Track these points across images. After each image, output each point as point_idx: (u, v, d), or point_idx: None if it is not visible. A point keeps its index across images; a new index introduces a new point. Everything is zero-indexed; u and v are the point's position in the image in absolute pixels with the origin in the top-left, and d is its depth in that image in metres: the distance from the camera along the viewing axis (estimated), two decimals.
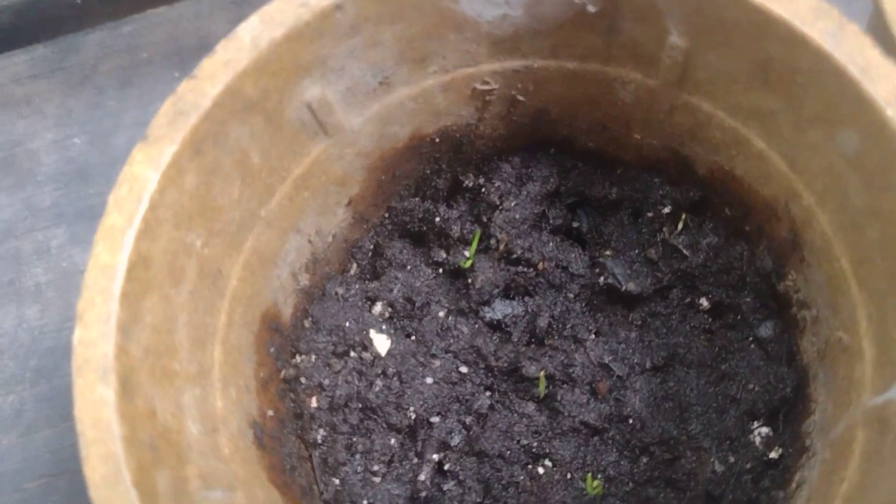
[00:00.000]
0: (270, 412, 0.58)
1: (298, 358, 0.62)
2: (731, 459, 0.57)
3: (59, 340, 0.91)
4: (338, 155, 0.59)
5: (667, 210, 0.63)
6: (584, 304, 0.64)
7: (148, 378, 0.46)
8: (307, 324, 0.63)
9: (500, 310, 0.64)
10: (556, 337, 0.63)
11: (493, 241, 0.64)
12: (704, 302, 0.62)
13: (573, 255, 0.64)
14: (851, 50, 0.44)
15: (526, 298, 0.64)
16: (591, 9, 0.52)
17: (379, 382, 0.62)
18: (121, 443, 0.42)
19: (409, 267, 0.66)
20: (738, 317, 0.60)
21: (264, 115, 0.52)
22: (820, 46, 0.45)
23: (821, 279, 0.52)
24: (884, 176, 0.44)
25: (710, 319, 0.62)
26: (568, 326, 0.63)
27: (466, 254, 0.65)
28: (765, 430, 0.57)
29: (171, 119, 0.47)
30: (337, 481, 0.60)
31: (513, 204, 0.63)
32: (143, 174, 0.46)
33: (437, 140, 0.63)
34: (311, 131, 0.56)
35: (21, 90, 1.02)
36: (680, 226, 0.63)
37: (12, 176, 0.99)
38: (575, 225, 0.66)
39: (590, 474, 0.58)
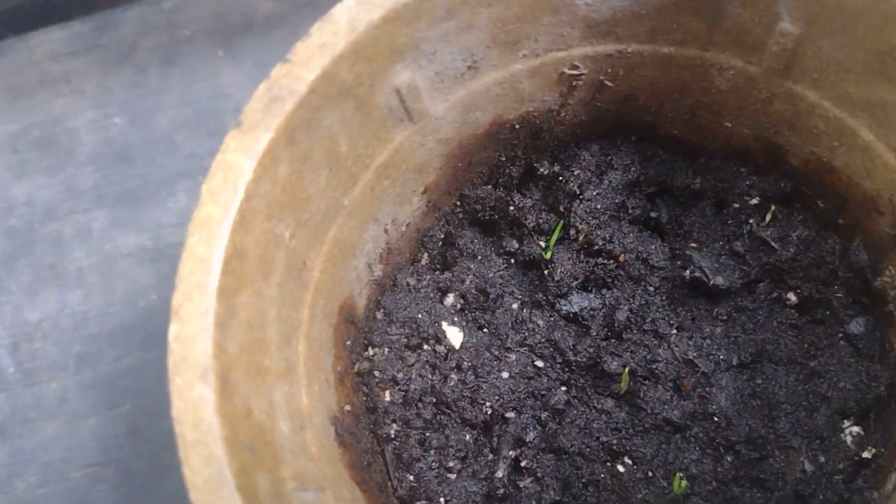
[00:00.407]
0: (347, 407, 0.56)
1: (371, 351, 0.61)
2: (822, 459, 0.55)
3: (103, 326, 0.90)
4: (420, 142, 0.57)
5: (754, 201, 0.61)
6: (664, 298, 0.62)
7: (244, 376, 0.44)
8: (379, 315, 0.61)
9: (578, 302, 0.62)
10: (636, 331, 0.61)
11: (572, 232, 0.62)
12: (792, 297, 0.60)
13: (653, 247, 0.62)
14: None
15: (604, 291, 0.62)
16: None
17: (454, 376, 0.60)
18: (223, 444, 0.41)
19: (479, 257, 0.64)
20: (828, 312, 0.59)
21: (356, 100, 0.50)
22: None
23: None
24: None
25: (798, 315, 0.60)
26: (648, 320, 0.61)
27: (542, 244, 0.63)
28: (856, 429, 0.56)
29: (266, 105, 0.45)
30: (411, 477, 0.58)
31: (594, 193, 0.61)
32: (238, 163, 0.44)
33: (517, 126, 0.61)
34: (397, 118, 0.54)
35: (59, 67, 0.99)
36: (768, 217, 0.61)
37: (52, 156, 0.96)
38: (653, 215, 0.65)
39: (678, 473, 0.56)
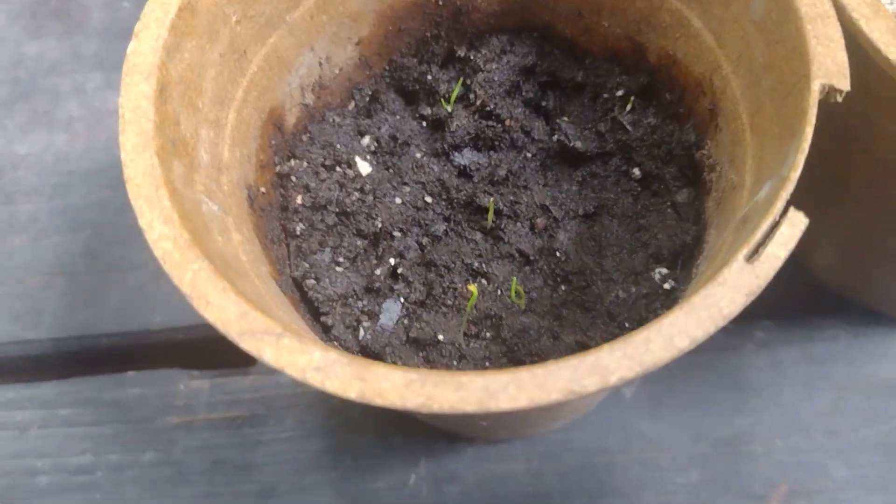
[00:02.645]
0: (262, 190, 0.69)
1: (293, 161, 0.74)
2: (633, 290, 0.68)
3: (80, 166, 1.02)
4: None
5: (620, 94, 0.75)
6: (538, 164, 0.76)
7: (178, 97, 0.58)
8: (305, 138, 0.75)
9: (468, 157, 0.76)
10: (511, 186, 0.75)
11: (471, 96, 0.76)
12: (637, 171, 0.74)
13: (537, 123, 0.76)
14: None
15: (491, 153, 0.76)
16: None
17: (356, 194, 0.73)
18: (152, 125, 0.54)
19: (398, 116, 0.78)
20: (662, 186, 0.72)
21: None
22: None
23: (727, 139, 0.64)
24: (779, 30, 0.56)
25: (640, 188, 0.74)
26: (522, 179, 0.75)
27: (450, 109, 0.77)
28: (665, 270, 0.68)
29: None
30: (307, 264, 0.71)
31: (493, 67, 0.76)
32: None
33: (441, 3, 0.75)
34: None
35: None
36: (628, 107, 0.75)
37: (63, 24, 1.11)
38: (543, 104, 0.79)
39: (515, 280, 0.69)
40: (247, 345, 0.47)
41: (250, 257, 0.61)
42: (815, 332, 0.88)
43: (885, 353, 0.86)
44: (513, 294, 0.69)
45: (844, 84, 0.51)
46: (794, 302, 0.91)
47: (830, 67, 0.51)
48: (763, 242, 0.48)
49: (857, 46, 0.55)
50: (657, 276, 0.69)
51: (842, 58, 0.51)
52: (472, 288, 0.64)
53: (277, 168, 0.72)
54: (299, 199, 0.73)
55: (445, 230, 0.74)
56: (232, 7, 0.62)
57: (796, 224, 0.48)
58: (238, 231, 0.62)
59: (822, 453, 0.84)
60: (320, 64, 0.74)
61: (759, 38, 0.58)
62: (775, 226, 0.48)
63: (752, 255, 0.47)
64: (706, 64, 0.66)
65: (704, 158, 0.68)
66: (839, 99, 0.51)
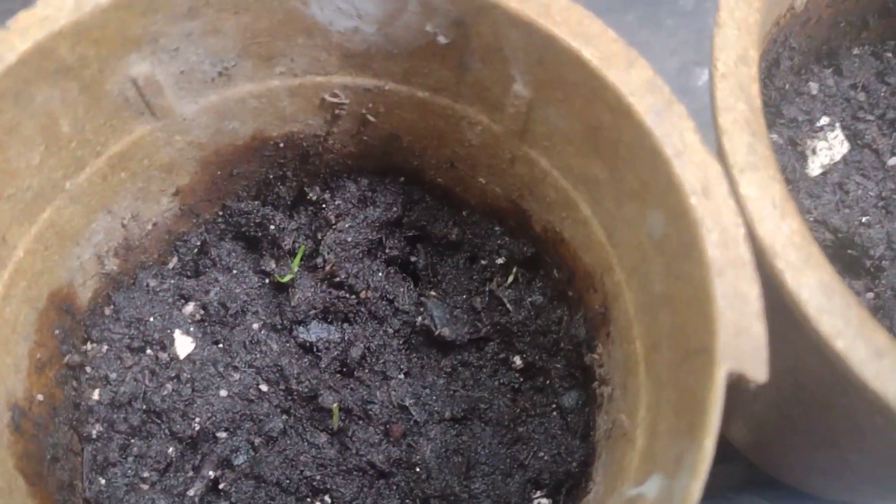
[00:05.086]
0: (41, 397, 0.54)
1: (89, 345, 0.59)
2: None
3: None
4: (165, 140, 0.56)
5: (500, 261, 0.62)
6: (402, 342, 0.62)
7: None
8: (108, 311, 0.60)
9: (316, 332, 0.61)
10: (367, 370, 0.61)
11: (319, 260, 0.61)
12: (518, 360, 0.60)
13: (402, 290, 0.62)
14: (672, 130, 0.43)
15: (345, 325, 0.62)
16: (443, 40, 0.51)
17: (169, 386, 0.59)
18: None
19: (234, 271, 0.63)
20: (547, 381, 0.59)
21: (80, 82, 0.49)
22: (643, 121, 0.44)
23: (620, 357, 0.51)
24: (679, 263, 0.43)
25: (522, 379, 0.60)
26: (381, 361, 0.61)
27: (290, 276, 0.62)
28: (545, 501, 0.56)
29: None
30: (103, 481, 0.56)
31: (347, 226, 0.61)
32: None
33: (282, 145, 0.60)
34: (136, 110, 0.53)
35: None
36: (510, 279, 0.61)
37: None
38: (413, 259, 0.65)
39: None
40: None
41: None
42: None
43: None
44: None
45: (760, 374, 0.38)
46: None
47: (743, 348, 0.38)
48: None
49: (783, 299, 0.42)
50: None
51: (758, 333, 0.38)
52: None
53: (66, 358, 0.57)
54: (96, 395, 0.58)
55: (283, 429, 0.60)
56: None
57: None
58: None
59: None
60: (124, 225, 0.58)
61: (658, 262, 0.45)
62: None
63: None
64: (597, 257, 0.53)
65: (596, 366, 0.55)
66: (752, 388, 0.38)
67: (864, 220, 0.63)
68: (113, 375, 0.58)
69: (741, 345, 0.38)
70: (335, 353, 0.61)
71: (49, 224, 0.53)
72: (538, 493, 0.56)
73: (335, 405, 0.58)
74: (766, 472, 0.75)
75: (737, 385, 0.39)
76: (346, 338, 0.61)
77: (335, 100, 0.57)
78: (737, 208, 0.41)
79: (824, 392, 0.50)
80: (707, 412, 0.38)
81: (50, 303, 0.55)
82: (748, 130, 0.44)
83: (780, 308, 0.41)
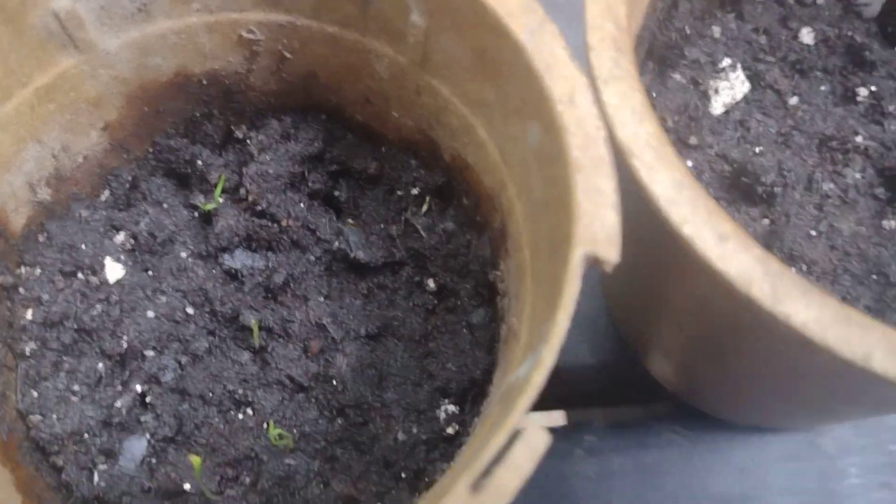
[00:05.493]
0: None
1: (23, 269, 0.62)
2: (414, 430, 0.59)
3: None
4: (90, 73, 0.59)
5: (415, 191, 0.65)
6: (323, 269, 0.65)
7: None
8: (41, 238, 0.63)
9: (241, 259, 0.65)
10: (290, 295, 0.64)
11: (242, 192, 0.65)
12: (431, 283, 0.64)
13: (324, 220, 0.66)
14: (543, 48, 0.47)
15: (269, 253, 0.65)
16: None
17: (99, 307, 0.62)
18: None
19: (165, 205, 0.67)
20: (458, 302, 0.63)
21: (4, 14, 0.52)
22: (518, 40, 0.47)
23: (514, 268, 0.55)
24: (552, 168, 0.47)
25: (436, 301, 0.64)
26: (303, 286, 0.65)
27: (213, 204, 0.66)
28: (452, 407, 0.59)
29: None
30: (35, 394, 0.60)
31: (269, 158, 0.65)
32: None
33: (205, 82, 0.64)
34: (60, 43, 0.56)
35: None
36: (424, 208, 0.65)
37: None
38: (336, 194, 0.68)
39: (272, 422, 0.59)
40: None
41: None
42: (650, 436, 0.80)
43: (724, 462, 0.79)
44: (272, 437, 0.59)
45: (612, 256, 0.41)
46: (628, 398, 0.83)
47: (597, 232, 0.42)
48: (495, 462, 0.39)
49: (639, 194, 0.46)
50: (442, 416, 0.59)
51: (611, 220, 0.42)
52: (194, 459, 0.54)
53: (0, 279, 0.60)
54: (29, 315, 0.61)
55: (208, 348, 0.63)
56: None
57: (535, 445, 0.38)
58: None
59: None
60: (54, 156, 0.62)
61: (537, 170, 0.49)
62: (512, 439, 0.39)
63: (479, 481, 0.38)
64: (495, 178, 0.57)
65: (498, 281, 0.59)
66: (608, 270, 0.42)
67: (757, 150, 0.67)
68: (45, 296, 0.61)
69: (596, 231, 0.42)
70: (259, 279, 0.64)
71: None
72: (446, 401, 0.60)
73: (254, 322, 0.62)
74: (689, 403, 0.79)
75: (594, 268, 0.42)
76: (269, 265, 0.65)
77: (251, 36, 0.61)
78: (599, 115, 0.45)
79: (687, 289, 0.54)
80: (563, 290, 0.41)
81: None
82: (614, 47, 0.48)
83: (640, 207, 0.45)
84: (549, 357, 0.40)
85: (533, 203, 0.51)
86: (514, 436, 0.39)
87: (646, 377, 0.80)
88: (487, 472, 0.38)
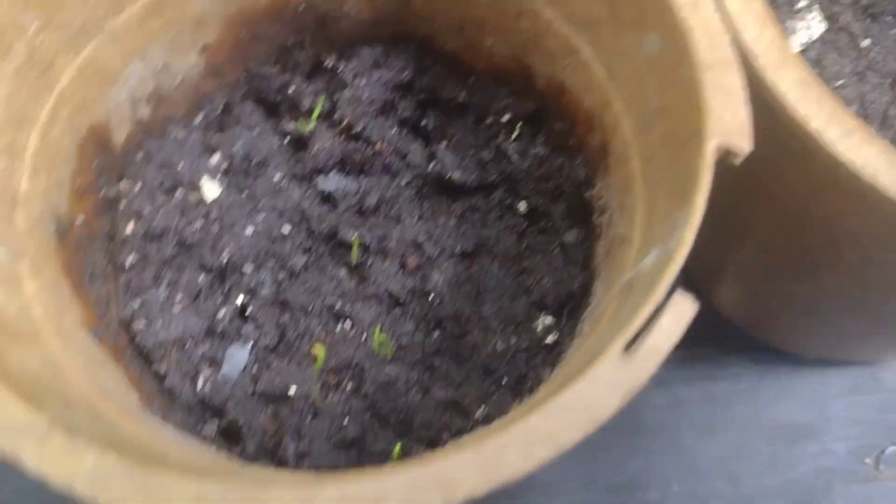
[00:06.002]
0: (82, 219, 0.59)
1: (124, 183, 0.63)
2: (512, 341, 0.60)
3: None
4: None
5: (506, 119, 0.67)
6: (414, 192, 0.67)
7: None
8: (140, 156, 0.64)
9: (334, 182, 0.67)
10: (382, 217, 0.66)
11: (337, 116, 0.66)
12: (523, 206, 0.66)
13: (414, 147, 0.67)
14: None
15: (361, 177, 0.67)
16: None
17: (198, 223, 0.63)
18: None
19: (257, 130, 0.68)
20: (550, 223, 0.65)
21: None
22: None
23: (617, 182, 0.57)
24: (673, 73, 0.48)
25: (526, 223, 0.66)
26: (395, 208, 0.66)
27: (310, 126, 0.67)
28: (549, 319, 0.61)
29: None
30: (137, 302, 0.61)
31: (362, 83, 0.66)
32: None
33: (302, 9, 0.65)
34: None
35: None
36: (515, 134, 0.66)
37: None
38: (423, 123, 0.70)
39: (378, 329, 0.61)
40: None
41: (49, 309, 0.51)
42: (718, 369, 0.83)
43: (789, 394, 0.81)
44: (376, 345, 0.61)
45: (744, 145, 0.43)
46: (697, 336, 0.85)
47: (729, 124, 0.44)
48: (645, 329, 0.40)
49: (764, 96, 0.47)
50: (540, 327, 0.61)
51: (742, 113, 0.44)
52: (318, 349, 0.56)
53: (103, 192, 0.61)
54: (130, 227, 0.63)
55: (305, 264, 0.65)
56: (30, 15, 0.51)
57: (682, 312, 0.40)
58: (35, 278, 0.51)
59: (722, 501, 0.78)
60: (155, 74, 0.63)
61: (653, 79, 0.51)
62: (658, 310, 0.41)
63: (631, 346, 0.40)
64: (596, 98, 0.58)
65: (595, 200, 0.61)
66: (737, 162, 0.44)
67: (839, 82, 0.69)
68: (146, 210, 0.63)
69: (727, 123, 0.44)
70: (352, 201, 0.66)
71: (91, 59, 0.57)
72: (542, 314, 0.61)
73: (354, 237, 0.63)
74: (758, 337, 0.81)
75: (724, 160, 0.44)
76: (362, 188, 0.66)
77: None
78: (722, 19, 0.47)
79: (802, 195, 0.55)
80: (698, 179, 0.43)
81: (90, 134, 0.59)
82: None
83: (762, 99, 0.47)
84: (689, 235, 0.42)
85: (646, 114, 0.52)
86: (660, 307, 0.41)
87: (710, 315, 0.82)
88: (636, 339, 0.40)
